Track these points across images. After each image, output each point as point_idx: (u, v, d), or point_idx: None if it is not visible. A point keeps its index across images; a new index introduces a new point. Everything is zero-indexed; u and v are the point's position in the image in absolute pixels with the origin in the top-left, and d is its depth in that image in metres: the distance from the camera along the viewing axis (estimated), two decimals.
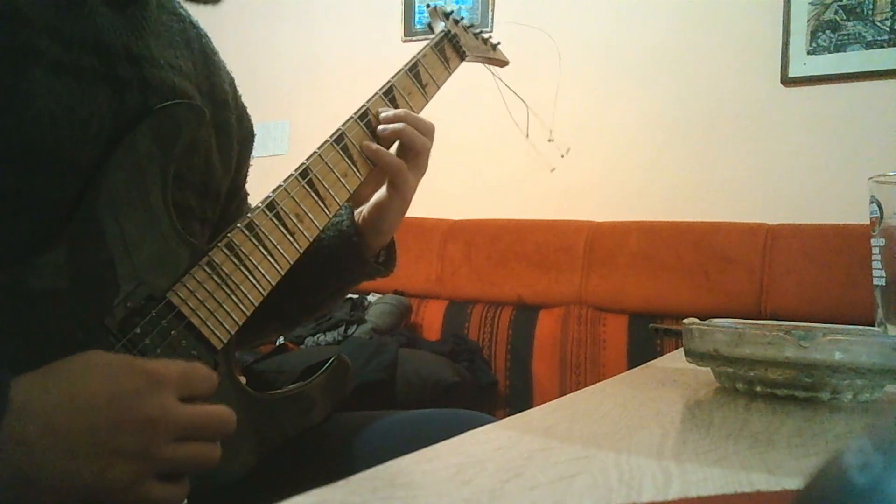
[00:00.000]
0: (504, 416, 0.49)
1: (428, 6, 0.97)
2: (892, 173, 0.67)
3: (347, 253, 0.80)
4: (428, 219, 2.25)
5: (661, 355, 1.07)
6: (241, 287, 0.64)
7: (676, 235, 2.02)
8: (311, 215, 0.71)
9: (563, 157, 2.08)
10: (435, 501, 0.29)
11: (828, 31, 2.08)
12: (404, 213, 0.81)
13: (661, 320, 1.92)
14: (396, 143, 0.80)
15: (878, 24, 2.03)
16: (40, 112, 0.54)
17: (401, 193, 0.79)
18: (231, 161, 0.76)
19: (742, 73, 2.18)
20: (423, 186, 0.82)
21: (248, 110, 0.82)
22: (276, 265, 0.67)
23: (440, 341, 2.12)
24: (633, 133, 2.31)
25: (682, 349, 0.65)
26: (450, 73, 0.90)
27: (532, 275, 2.15)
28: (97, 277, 0.56)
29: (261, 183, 0.80)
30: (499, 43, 1.04)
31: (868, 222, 0.68)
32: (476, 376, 1.99)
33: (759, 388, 0.58)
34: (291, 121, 2.78)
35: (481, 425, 0.43)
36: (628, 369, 0.81)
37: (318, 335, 2.09)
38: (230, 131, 0.76)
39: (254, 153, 0.84)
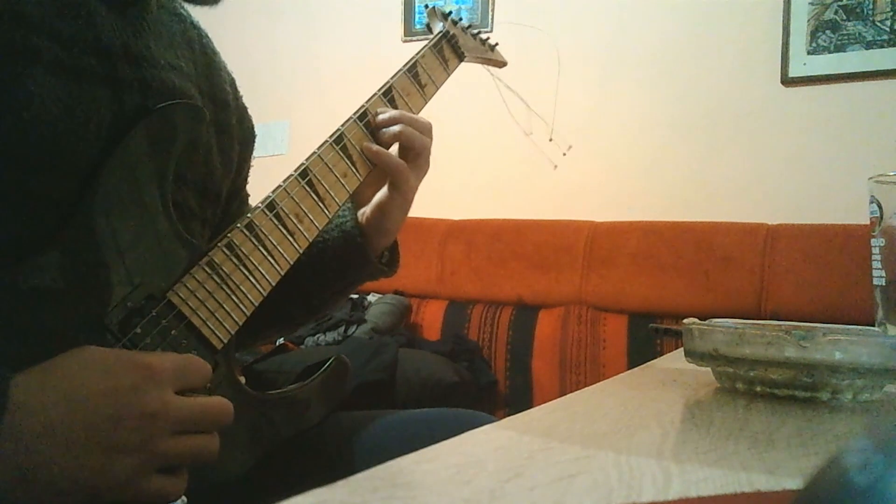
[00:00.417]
0: (504, 416, 0.49)
1: (426, 7, 0.97)
2: (892, 173, 0.67)
3: (352, 253, 0.80)
4: (428, 219, 2.25)
5: (661, 355, 1.07)
6: (242, 287, 0.64)
7: (676, 235, 2.02)
8: (310, 216, 0.71)
9: (564, 154, 2.08)
10: (435, 501, 0.29)
11: (828, 31, 2.08)
12: (407, 213, 0.81)
13: (661, 320, 1.92)
14: (396, 144, 0.80)
15: (878, 24, 2.03)
16: (39, 112, 0.54)
17: (402, 194, 0.79)
18: (232, 162, 0.76)
19: (742, 73, 2.18)
20: (423, 186, 0.82)
21: (249, 110, 0.82)
22: (276, 265, 0.67)
23: (440, 341, 2.12)
24: (633, 133, 2.31)
25: (682, 349, 0.65)
26: (448, 74, 0.90)
27: (532, 275, 2.15)
28: (96, 277, 0.56)
29: (261, 183, 0.80)
30: (497, 44, 1.04)
31: (868, 222, 0.68)
32: (476, 376, 1.99)
33: (759, 388, 0.58)
34: (291, 121, 2.78)
35: (481, 425, 0.43)
36: (628, 369, 0.81)
37: (318, 335, 2.08)
38: (231, 132, 0.76)
39: (254, 153, 0.84)
